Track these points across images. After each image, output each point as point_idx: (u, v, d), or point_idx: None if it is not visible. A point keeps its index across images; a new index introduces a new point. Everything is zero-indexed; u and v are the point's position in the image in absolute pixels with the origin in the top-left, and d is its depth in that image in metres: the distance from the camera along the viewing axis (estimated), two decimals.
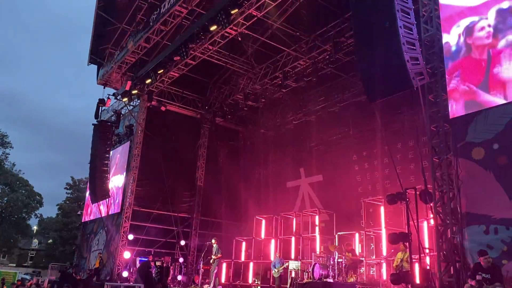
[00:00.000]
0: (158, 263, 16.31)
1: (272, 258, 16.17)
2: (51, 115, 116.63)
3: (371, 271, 13.56)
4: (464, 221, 8.83)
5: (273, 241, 17.07)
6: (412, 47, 8.58)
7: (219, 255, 15.14)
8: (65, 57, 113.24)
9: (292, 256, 15.84)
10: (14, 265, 50.65)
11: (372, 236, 13.99)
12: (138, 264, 18.49)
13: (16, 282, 18.56)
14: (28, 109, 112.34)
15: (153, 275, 15.46)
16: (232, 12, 14.03)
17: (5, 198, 45.32)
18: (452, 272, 8.85)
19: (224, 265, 17.27)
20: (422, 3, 10.43)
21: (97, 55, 21.36)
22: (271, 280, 15.57)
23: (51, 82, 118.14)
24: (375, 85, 9.26)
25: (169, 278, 17.34)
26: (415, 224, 9.39)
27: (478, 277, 7.51)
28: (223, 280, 16.88)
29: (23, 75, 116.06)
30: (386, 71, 8.80)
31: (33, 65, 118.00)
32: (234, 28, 15.33)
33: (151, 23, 16.44)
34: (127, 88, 18.87)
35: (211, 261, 15.24)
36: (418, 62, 8.66)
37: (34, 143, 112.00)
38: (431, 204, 9.56)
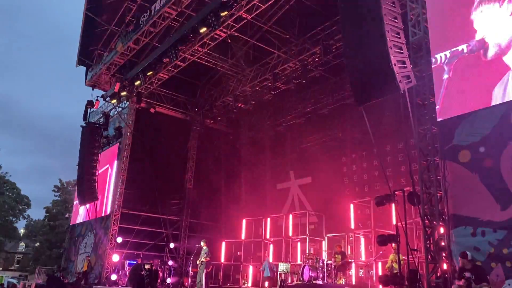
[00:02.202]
0: (147, 266, 16.20)
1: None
2: (44, 120, 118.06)
3: (360, 272, 13.64)
4: (451, 223, 8.91)
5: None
6: (399, 50, 8.67)
7: (207, 258, 15.03)
8: (58, 63, 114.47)
9: (282, 258, 15.86)
10: (1, 268, 49.93)
11: (361, 237, 14.07)
12: (127, 267, 18.36)
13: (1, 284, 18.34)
14: (21, 114, 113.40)
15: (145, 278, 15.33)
16: (222, 14, 14.02)
17: None
18: (439, 273, 8.93)
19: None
20: (410, 7, 10.55)
21: (85, 57, 21.19)
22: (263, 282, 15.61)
23: (44, 87, 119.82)
24: (363, 88, 9.34)
25: (158, 281, 17.23)
26: (403, 225, 9.48)
27: (467, 274, 7.56)
28: (212, 283, 16.82)
29: (16, 81, 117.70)
30: (374, 74, 8.88)
31: (26, 71, 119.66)
32: (224, 30, 15.32)
33: (140, 25, 16.36)
34: (116, 89, 18.74)
35: (197, 262, 15.16)
36: (405, 65, 8.75)
37: (26, 148, 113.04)
38: (419, 206, 9.65)
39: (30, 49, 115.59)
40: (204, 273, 14.81)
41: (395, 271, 10.47)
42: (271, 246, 16.96)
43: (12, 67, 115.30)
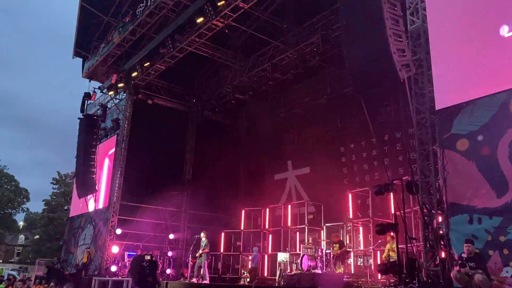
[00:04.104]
0: (147, 257, 16.25)
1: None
2: (45, 115, 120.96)
3: (359, 261, 13.72)
4: (449, 211, 8.93)
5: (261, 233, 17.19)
6: (398, 38, 8.63)
7: (206, 250, 15.09)
8: (58, 58, 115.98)
9: (281, 248, 15.94)
10: (1, 261, 50.09)
11: (360, 227, 14.13)
12: (126, 259, 18.41)
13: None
14: (23, 109, 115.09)
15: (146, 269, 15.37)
16: (219, 4, 13.94)
17: None
18: (437, 262, 8.98)
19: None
20: None
21: (82, 48, 21.07)
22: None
23: (46, 83, 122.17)
24: (362, 77, 9.29)
25: (158, 271, 17.30)
26: (402, 215, 9.50)
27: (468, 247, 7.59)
28: (212, 273, 16.90)
29: (17, 76, 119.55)
30: (373, 63, 8.84)
31: (28, 67, 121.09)
32: (221, 20, 15.19)
33: (137, 15, 16.24)
34: (113, 81, 18.65)
35: (196, 255, 15.22)
36: (405, 54, 8.71)
37: (28, 142, 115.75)
38: (417, 195, 9.66)
39: (31, 45, 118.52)
40: (205, 265, 14.89)
41: (392, 260, 10.53)
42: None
43: (14, 63, 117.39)
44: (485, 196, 8.34)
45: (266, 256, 16.50)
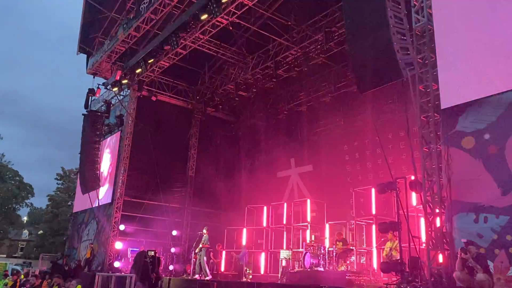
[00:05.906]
0: (150, 253, 16.31)
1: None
2: (51, 114, 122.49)
3: (362, 259, 13.70)
4: (453, 210, 8.89)
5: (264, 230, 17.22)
6: (402, 37, 8.59)
7: (206, 245, 15.13)
8: (64, 58, 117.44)
9: (284, 245, 15.96)
10: (5, 256, 50.39)
11: (363, 225, 14.12)
12: (130, 255, 18.49)
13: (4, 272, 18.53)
14: (28, 107, 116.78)
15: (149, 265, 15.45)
16: (223, 0, 13.89)
17: None
18: (441, 261, 8.96)
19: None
20: None
21: (86, 44, 21.09)
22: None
23: (53, 83, 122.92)
24: (366, 75, 9.27)
25: (161, 267, 17.37)
26: (405, 213, 9.48)
27: (471, 264, 7.55)
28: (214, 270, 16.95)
29: (25, 76, 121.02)
30: (376, 61, 8.81)
31: (35, 66, 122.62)
32: (225, 17, 15.16)
33: (141, 12, 16.23)
34: (117, 77, 18.66)
35: (196, 250, 15.26)
36: (409, 52, 8.67)
37: (36, 140, 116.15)
38: (421, 194, 9.64)
39: (36, 44, 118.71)
40: (204, 260, 14.93)
41: (394, 258, 10.51)
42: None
43: (19, 63, 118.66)
44: (491, 195, 8.27)
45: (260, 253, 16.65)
